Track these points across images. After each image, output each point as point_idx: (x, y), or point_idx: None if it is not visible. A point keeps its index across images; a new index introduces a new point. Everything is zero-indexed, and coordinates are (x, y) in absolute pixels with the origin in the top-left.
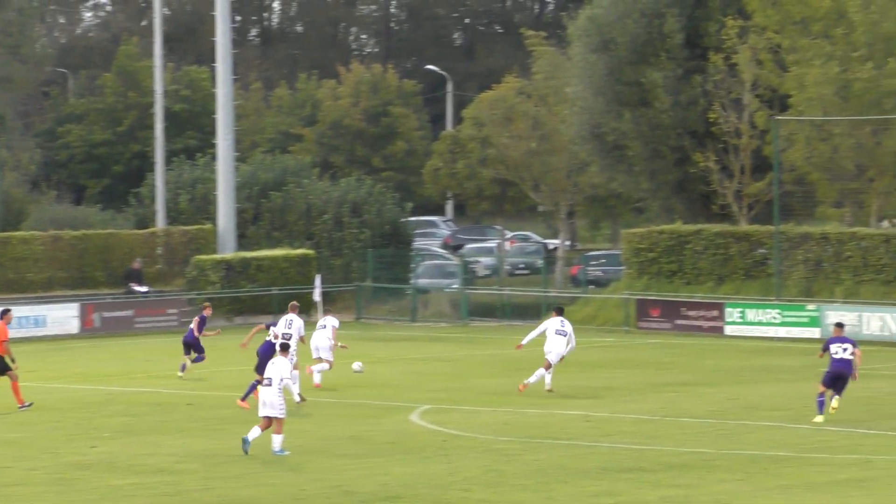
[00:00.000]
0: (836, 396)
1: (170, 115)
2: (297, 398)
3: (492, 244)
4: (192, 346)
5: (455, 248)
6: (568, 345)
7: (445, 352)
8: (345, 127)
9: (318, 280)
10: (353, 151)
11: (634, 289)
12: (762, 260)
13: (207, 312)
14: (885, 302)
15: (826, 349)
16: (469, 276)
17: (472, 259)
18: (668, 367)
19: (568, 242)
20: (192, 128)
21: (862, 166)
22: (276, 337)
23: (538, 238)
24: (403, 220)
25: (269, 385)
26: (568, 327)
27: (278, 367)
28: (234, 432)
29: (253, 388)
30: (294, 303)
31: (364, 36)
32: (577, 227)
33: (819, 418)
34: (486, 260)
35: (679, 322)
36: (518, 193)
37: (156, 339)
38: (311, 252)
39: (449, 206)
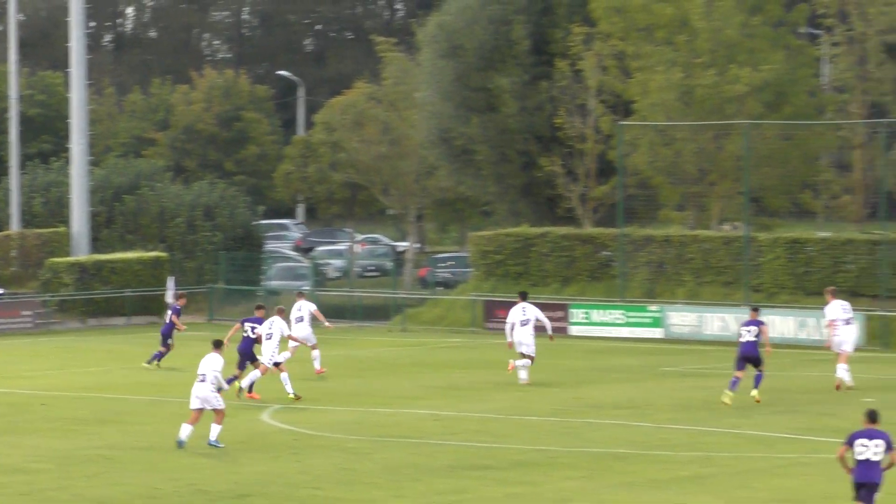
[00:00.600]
0: (753, 391)
1: (25, 120)
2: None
3: (342, 247)
4: (166, 336)
5: (306, 250)
6: (531, 332)
7: (296, 352)
8: (198, 131)
9: (170, 282)
10: (206, 155)
11: (482, 290)
12: (606, 262)
13: (181, 303)
14: (726, 303)
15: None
16: (320, 277)
17: (322, 261)
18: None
19: (417, 245)
20: (47, 132)
21: (704, 170)
22: (254, 333)
23: (388, 241)
24: (255, 223)
25: (203, 381)
26: (531, 312)
27: (210, 362)
28: (89, 432)
29: (230, 382)
30: (281, 307)
31: (217, 42)
32: (426, 230)
33: (727, 398)
34: (337, 262)
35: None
36: (368, 197)
37: (10, 340)
38: (164, 255)
39: (300, 210)
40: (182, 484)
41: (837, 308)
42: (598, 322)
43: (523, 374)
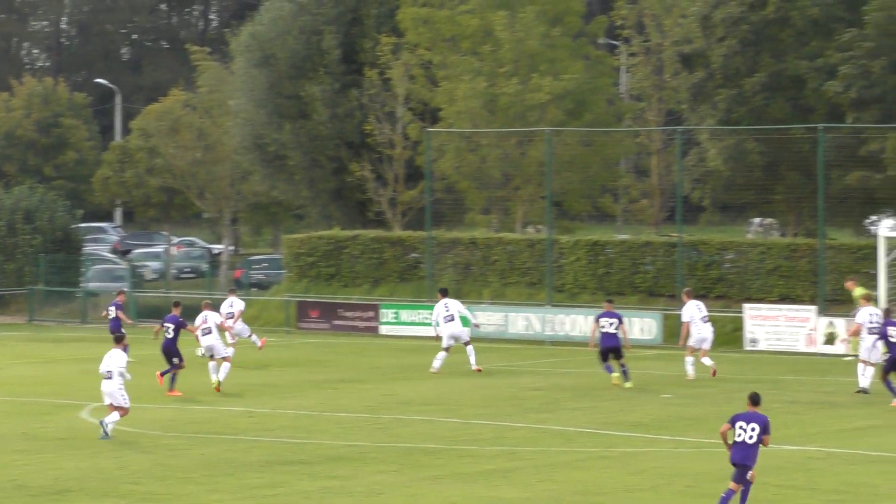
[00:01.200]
0: (627, 381)
1: None
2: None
3: (159, 249)
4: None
5: (124, 252)
6: (456, 323)
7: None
8: (17, 137)
9: None
10: (26, 161)
11: (295, 291)
12: (415, 263)
13: (121, 299)
14: (530, 303)
15: (597, 320)
16: (137, 279)
17: (140, 263)
18: (326, 365)
19: (232, 247)
20: None
21: (508, 175)
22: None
23: (203, 243)
24: (74, 226)
25: (110, 378)
26: (454, 307)
27: (114, 359)
28: None
29: (174, 379)
30: (207, 301)
31: (36, 50)
32: (241, 233)
33: (614, 378)
34: (154, 264)
35: (337, 322)
36: (184, 201)
37: None
38: None
39: (118, 213)
40: (3, 479)
41: (693, 308)
42: (408, 322)
43: (437, 364)
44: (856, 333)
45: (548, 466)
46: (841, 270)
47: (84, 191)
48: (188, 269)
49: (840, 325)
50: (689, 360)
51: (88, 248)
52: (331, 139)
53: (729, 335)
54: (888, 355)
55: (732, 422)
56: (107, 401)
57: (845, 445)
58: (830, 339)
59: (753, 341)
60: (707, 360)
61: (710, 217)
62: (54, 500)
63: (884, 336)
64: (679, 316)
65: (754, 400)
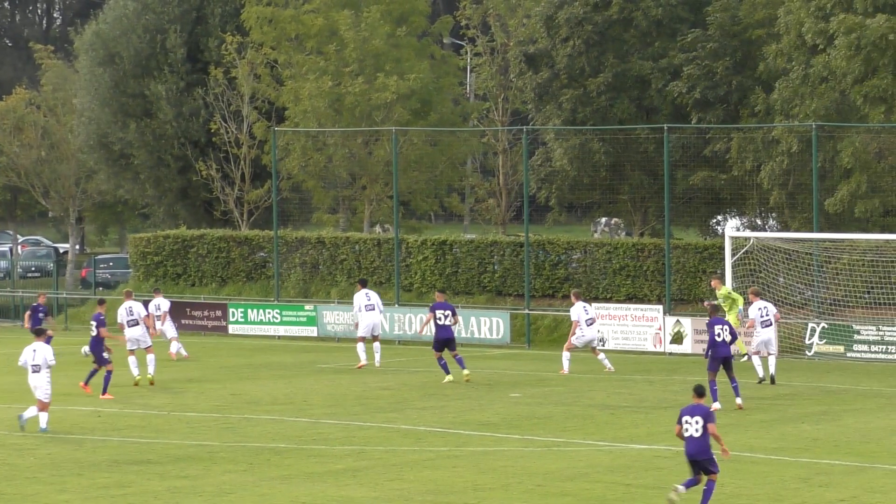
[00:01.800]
0: (464, 370)
1: None
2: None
3: (4, 248)
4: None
5: None
6: (376, 314)
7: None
8: None
9: None
10: None
11: (142, 291)
12: (262, 263)
13: (41, 300)
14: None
15: (432, 311)
16: None
17: None
18: (174, 365)
19: (77, 246)
20: None
21: (355, 175)
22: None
23: (49, 242)
24: None
25: (38, 371)
26: (375, 297)
27: (41, 352)
28: None
29: (92, 375)
30: (129, 290)
31: None
32: (87, 232)
33: (448, 378)
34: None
35: (185, 322)
36: (29, 200)
37: None
38: None
39: None
40: None
41: (580, 309)
42: (256, 321)
43: (362, 356)
44: (752, 327)
45: (397, 466)
46: (687, 270)
47: None
48: (34, 269)
49: (687, 323)
50: (566, 355)
51: None
52: (176, 138)
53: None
54: (711, 354)
55: (680, 418)
56: (37, 394)
57: None
58: (678, 337)
59: (601, 341)
60: (564, 357)
61: (557, 217)
62: None
63: (710, 336)
64: (525, 315)
65: (699, 392)
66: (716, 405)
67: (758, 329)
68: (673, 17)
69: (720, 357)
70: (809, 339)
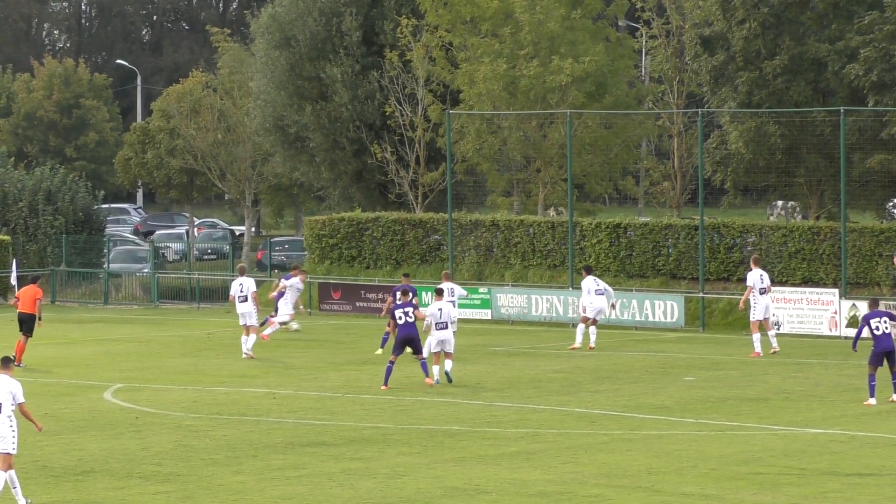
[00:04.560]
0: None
1: None
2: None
3: (181, 230)
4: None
5: (146, 234)
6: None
7: (137, 333)
8: (38, 118)
9: (14, 264)
10: (47, 142)
11: (317, 273)
12: (436, 246)
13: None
14: (552, 285)
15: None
16: (159, 260)
17: (162, 244)
18: (348, 347)
19: (253, 229)
20: None
21: (529, 158)
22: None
23: (225, 225)
24: (96, 207)
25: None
26: (601, 283)
27: (5, 386)
28: None
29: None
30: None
31: (56, 31)
32: (262, 215)
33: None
34: (176, 245)
35: (359, 304)
36: (205, 182)
37: None
38: (6, 238)
39: (139, 195)
40: (25, 461)
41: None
42: (426, 304)
43: (579, 337)
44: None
45: (570, 449)
46: (863, 254)
47: (105, 172)
48: (210, 251)
49: (863, 307)
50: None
51: (110, 230)
52: (351, 121)
53: None
54: (873, 349)
55: (867, 322)
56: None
57: (868, 429)
58: (853, 321)
59: (776, 324)
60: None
61: (732, 200)
62: (77, 481)
63: (860, 329)
64: (700, 299)
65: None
66: (871, 401)
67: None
68: None
69: (882, 351)
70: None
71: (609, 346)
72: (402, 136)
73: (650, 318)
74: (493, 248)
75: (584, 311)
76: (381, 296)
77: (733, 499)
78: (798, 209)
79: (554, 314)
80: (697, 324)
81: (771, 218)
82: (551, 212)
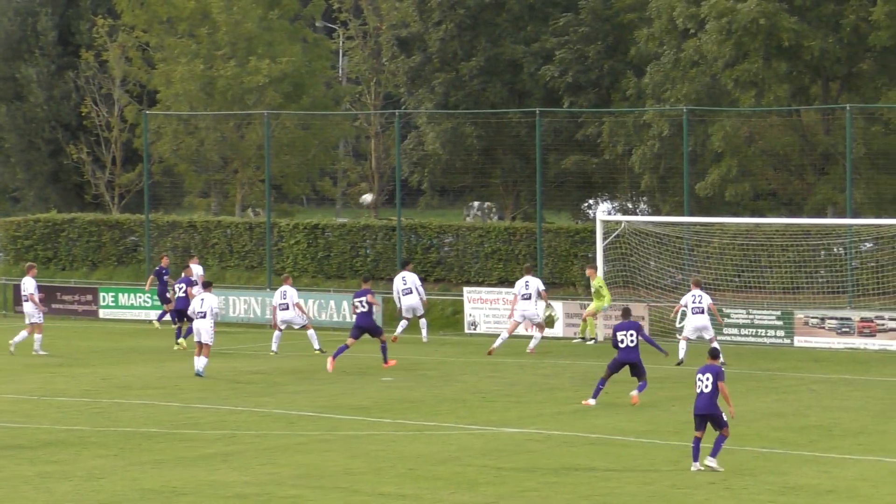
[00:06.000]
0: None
1: None
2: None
3: None
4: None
5: None
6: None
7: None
8: None
9: None
10: None
11: (12, 275)
12: (133, 247)
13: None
14: (249, 286)
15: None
16: None
17: None
18: (44, 349)
19: None
20: None
21: (227, 158)
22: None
23: None
24: None
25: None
26: (411, 280)
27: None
28: None
29: None
30: (286, 276)
31: None
32: None
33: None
34: None
35: (55, 306)
36: None
37: None
38: None
39: None
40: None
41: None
42: (126, 305)
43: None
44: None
45: (268, 450)
46: (559, 254)
47: None
48: None
49: (559, 308)
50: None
51: None
52: (47, 121)
53: (449, 318)
54: (615, 357)
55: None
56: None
57: (563, 428)
58: (550, 321)
59: (473, 324)
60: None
61: (429, 201)
62: None
63: (613, 339)
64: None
65: (713, 354)
66: (590, 401)
67: (689, 315)
68: (545, 1)
69: (623, 361)
70: (680, 322)
71: (308, 347)
72: (99, 136)
73: (348, 319)
74: (190, 249)
75: (400, 311)
76: (77, 297)
77: (431, 498)
78: (495, 210)
79: (252, 315)
80: (394, 324)
81: (468, 218)
82: (249, 213)
